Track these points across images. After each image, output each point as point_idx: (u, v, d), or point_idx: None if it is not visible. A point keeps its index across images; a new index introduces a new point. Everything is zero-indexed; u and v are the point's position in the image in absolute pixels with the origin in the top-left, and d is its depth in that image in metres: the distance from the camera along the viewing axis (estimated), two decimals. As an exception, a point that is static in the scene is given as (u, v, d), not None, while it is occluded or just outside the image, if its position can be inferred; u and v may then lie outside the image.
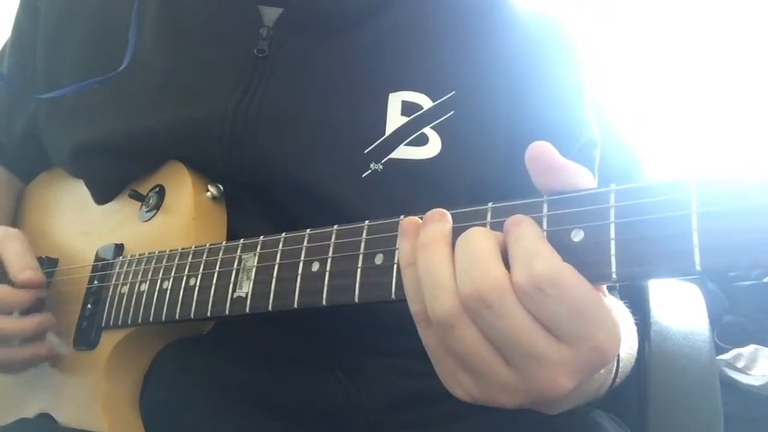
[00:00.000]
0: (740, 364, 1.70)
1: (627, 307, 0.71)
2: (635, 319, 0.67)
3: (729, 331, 1.80)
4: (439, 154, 0.68)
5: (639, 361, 0.72)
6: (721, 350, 1.74)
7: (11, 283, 0.72)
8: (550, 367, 0.40)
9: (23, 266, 0.73)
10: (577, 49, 0.79)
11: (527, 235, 0.41)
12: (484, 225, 0.45)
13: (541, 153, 0.44)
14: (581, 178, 0.44)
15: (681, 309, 0.82)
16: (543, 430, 0.69)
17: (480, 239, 0.42)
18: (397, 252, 0.49)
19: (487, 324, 0.41)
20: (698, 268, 0.36)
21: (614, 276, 0.39)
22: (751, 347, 1.76)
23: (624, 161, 0.92)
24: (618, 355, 0.56)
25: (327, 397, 0.69)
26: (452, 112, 0.70)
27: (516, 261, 0.41)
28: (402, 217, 0.50)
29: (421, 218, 0.47)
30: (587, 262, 0.40)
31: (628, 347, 0.63)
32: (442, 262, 0.43)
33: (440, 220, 0.45)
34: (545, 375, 0.41)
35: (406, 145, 0.68)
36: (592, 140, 0.78)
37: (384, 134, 0.68)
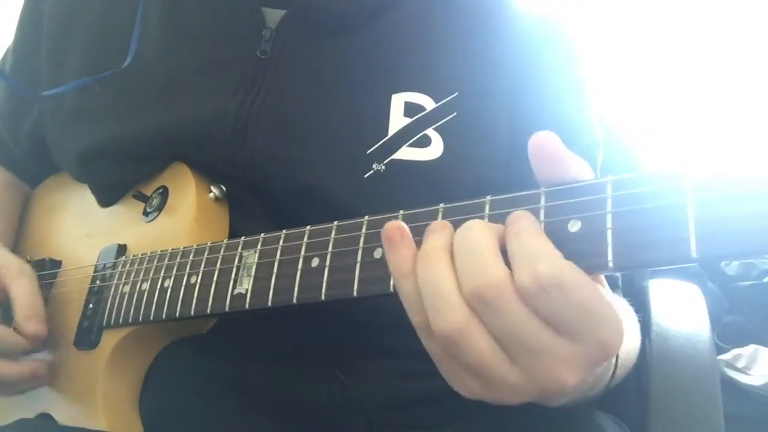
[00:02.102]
0: (740, 364, 1.70)
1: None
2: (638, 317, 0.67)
3: (729, 331, 1.79)
4: (441, 156, 0.68)
5: (640, 361, 0.72)
6: (721, 350, 1.73)
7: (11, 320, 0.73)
8: (554, 363, 0.40)
9: (30, 314, 0.72)
10: (577, 50, 0.80)
11: (529, 234, 0.40)
12: (482, 218, 0.45)
13: (545, 142, 0.43)
14: (583, 174, 0.43)
15: (681, 309, 0.82)
16: (543, 430, 0.69)
17: (477, 234, 0.42)
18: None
19: (489, 321, 0.41)
20: (694, 255, 0.36)
21: (611, 265, 0.39)
22: (751, 347, 1.76)
23: (623, 162, 0.92)
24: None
25: (327, 397, 0.69)
26: (455, 113, 0.70)
27: (518, 261, 0.40)
28: (401, 212, 0.50)
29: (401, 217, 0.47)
30: (584, 252, 0.40)
31: (629, 342, 0.62)
32: (443, 274, 0.42)
33: (442, 230, 0.44)
34: (549, 371, 0.40)
35: (409, 146, 0.68)
36: (594, 142, 0.78)
37: (387, 135, 0.68)
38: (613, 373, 0.56)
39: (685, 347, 0.75)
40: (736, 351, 1.75)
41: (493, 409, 0.69)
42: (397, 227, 0.45)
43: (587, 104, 0.79)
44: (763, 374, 1.66)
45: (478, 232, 0.42)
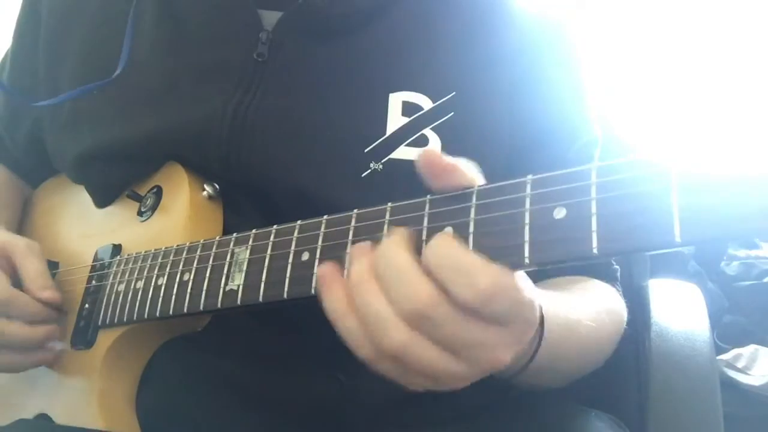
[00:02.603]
0: (740, 364, 1.69)
1: (626, 307, 0.71)
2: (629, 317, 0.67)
3: (729, 331, 1.79)
4: None
5: (639, 361, 0.71)
6: (721, 350, 1.73)
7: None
8: (493, 349, 0.44)
9: (44, 285, 0.74)
10: (577, 48, 0.80)
11: (452, 254, 0.43)
12: (469, 208, 0.45)
13: (431, 158, 0.47)
14: (471, 172, 0.47)
15: (681, 309, 0.81)
16: (542, 430, 0.68)
17: (394, 257, 0.44)
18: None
19: (430, 332, 0.44)
20: (678, 240, 0.36)
21: (595, 251, 0.38)
22: (751, 347, 1.75)
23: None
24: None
25: (325, 396, 0.69)
26: (452, 113, 0.70)
27: (452, 280, 0.42)
28: (389, 205, 0.50)
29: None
30: (569, 238, 0.40)
31: (569, 311, 0.63)
32: (377, 300, 0.44)
33: (361, 255, 0.47)
34: (490, 356, 0.44)
35: (407, 146, 0.68)
36: (593, 140, 0.78)
37: (384, 134, 0.68)
38: (541, 336, 0.56)
39: (685, 347, 0.74)
40: (736, 351, 1.75)
41: (492, 410, 0.69)
42: (329, 270, 0.48)
43: (586, 103, 0.79)
44: (763, 374, 1.65)
45: (394, 256, 0.45)
